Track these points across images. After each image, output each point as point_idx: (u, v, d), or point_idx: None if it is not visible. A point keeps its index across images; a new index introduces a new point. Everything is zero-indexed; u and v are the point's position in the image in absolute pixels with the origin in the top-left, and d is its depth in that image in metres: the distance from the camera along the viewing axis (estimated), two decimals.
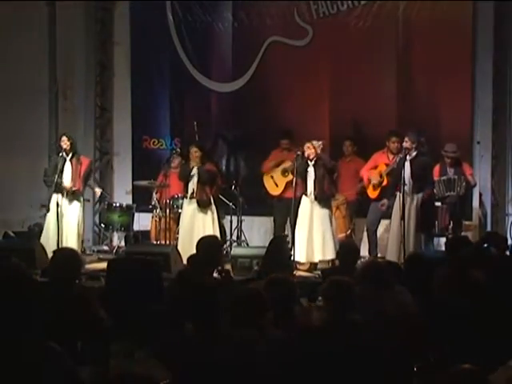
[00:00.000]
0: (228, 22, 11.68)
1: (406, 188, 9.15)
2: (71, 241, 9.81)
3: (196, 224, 9.83)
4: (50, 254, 7.77)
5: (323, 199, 9.42)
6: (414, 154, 9.28)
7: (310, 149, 9.42)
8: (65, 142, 9.89)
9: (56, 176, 9.72)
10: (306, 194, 9.47)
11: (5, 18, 11.48)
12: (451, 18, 10.74)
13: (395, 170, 9.47)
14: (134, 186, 11.68)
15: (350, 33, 11.16)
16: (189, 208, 9.94)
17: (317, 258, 9.37)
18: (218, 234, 9.66)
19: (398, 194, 9.22)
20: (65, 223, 9.83)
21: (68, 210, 9.93)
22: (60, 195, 9.84)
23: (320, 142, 9.50)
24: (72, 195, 9.91)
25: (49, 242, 9.68)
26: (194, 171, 9.90)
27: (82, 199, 10.11)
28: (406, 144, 9.29)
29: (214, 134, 11.84)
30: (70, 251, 5.64)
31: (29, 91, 11.76)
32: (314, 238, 9.35)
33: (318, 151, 9.42)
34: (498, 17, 10.65)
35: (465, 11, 10.77)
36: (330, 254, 9.19)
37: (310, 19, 11.30)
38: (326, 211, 9.44)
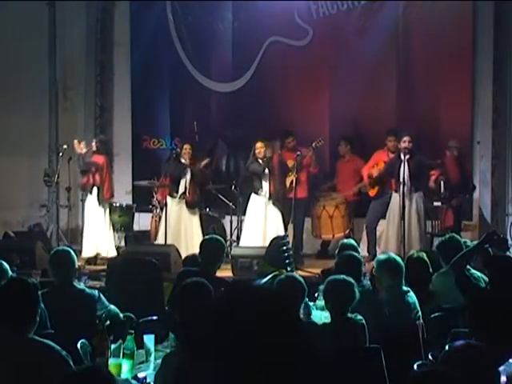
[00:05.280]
0: (228, 22, 11.68)
1: (404, 188, 9.19)
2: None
3: (183, 224, 9.83)
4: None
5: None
6: (408, 155, 9.32)
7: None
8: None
9: (56, 176, 9.69)
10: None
11: (5, 18, 11.48)
12: (451, 17, 10.74)
13: (388, 167, 9.55)
14: (134, 186, 11.67)
15: (350, 33, 11.16)
16: (175, 207, 9.91)
17: None
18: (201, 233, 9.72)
19: (393, 193, 9.31)
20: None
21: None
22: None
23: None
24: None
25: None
26: (188, 171, 9.89)
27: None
28: (404, 144, 9.33)
29: (214, 134, 11.83)
30: (66, 251, 5.57)
31: (29, 91, 11.77)
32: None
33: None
34: (497, 17, 10.66)
35: (465, 11, 10.78)
36: None
37: (310, 19, 11.30)
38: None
